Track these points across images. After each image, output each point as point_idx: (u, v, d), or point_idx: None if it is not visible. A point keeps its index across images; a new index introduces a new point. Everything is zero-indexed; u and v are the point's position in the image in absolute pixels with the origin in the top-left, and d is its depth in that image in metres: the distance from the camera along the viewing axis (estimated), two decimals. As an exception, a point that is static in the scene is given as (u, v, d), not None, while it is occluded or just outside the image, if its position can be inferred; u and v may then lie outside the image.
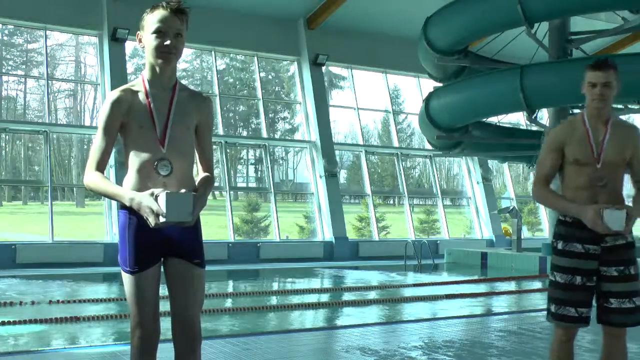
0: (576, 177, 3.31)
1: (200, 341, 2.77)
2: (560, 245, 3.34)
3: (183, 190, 2.62)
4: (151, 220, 2.54)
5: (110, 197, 2.70)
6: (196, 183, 2.79)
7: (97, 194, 2.78)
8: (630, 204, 3.33)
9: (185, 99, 2.80)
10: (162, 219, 2.52)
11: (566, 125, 3.42)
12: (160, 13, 2.68)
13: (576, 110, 12.73)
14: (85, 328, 6.76)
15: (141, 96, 2.73)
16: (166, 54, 2.70)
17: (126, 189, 2.67)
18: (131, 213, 2.67)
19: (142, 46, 2.75)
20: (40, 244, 13.61)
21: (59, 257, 13.18)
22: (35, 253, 13.13)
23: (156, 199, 2.54)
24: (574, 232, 3.30)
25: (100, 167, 2.71)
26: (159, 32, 2.68)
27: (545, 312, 3.46)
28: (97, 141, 2.72)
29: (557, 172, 3.42)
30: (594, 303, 3.33)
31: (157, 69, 2.74)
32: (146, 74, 2.77)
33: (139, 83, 2.77)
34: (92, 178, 2.69)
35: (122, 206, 2.71)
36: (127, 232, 2.69)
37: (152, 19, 2.69)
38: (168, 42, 2.67)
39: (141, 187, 2.64)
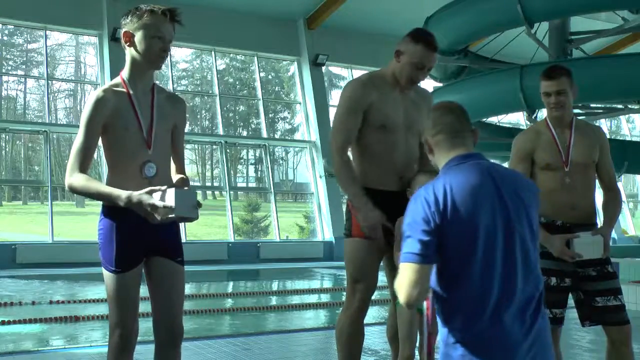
0: (547, 182, 3.29)
1: (182, 336, 2.79)
2: None
3: (186, 188, 2.65)
4: (156, 216, 2.53)
5: (102, 199, 2.66)
6: (174, 183, 2.79)
7: (85, 196, 2.71)
8: (600, 222, 3.29)
9: (164, 101, 2.81)
10: (169, 215, 2.53)
11: (531, 132, 3.41)
12: (159, 19, 2.69)
13: (575, 110, 12.72)
14: (85, 328, 6.75)
15: (124, 97, 2.71)
16: (160, 60, 2.73)
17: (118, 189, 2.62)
18: (117, 214, 2.66)
19: (129, 45, 2.71)
20: (40, 244, 13.61)
21: (59, 257, 13.17)
22: (35, 253, 13.12)
23: (161, 196, 2.54)
24: None
25: (84, 168, 2.66)
26: (159, 38, 2.68)
27: None
28: (80, 142, 2.66)
29: None
30: (570, 304, 3.32)
31: (144, 72, 2.75)
32: (127, 74, 2.75)
33: (120, 84, 2.75)
34: (78, 180, 2.63)
35: (106, 211, 2.70)
36: (113, 233, 2.68)
37: (152, 23, 2.68)
38: (166, 50, 2.71)
39: (126, 189, 2.60)
